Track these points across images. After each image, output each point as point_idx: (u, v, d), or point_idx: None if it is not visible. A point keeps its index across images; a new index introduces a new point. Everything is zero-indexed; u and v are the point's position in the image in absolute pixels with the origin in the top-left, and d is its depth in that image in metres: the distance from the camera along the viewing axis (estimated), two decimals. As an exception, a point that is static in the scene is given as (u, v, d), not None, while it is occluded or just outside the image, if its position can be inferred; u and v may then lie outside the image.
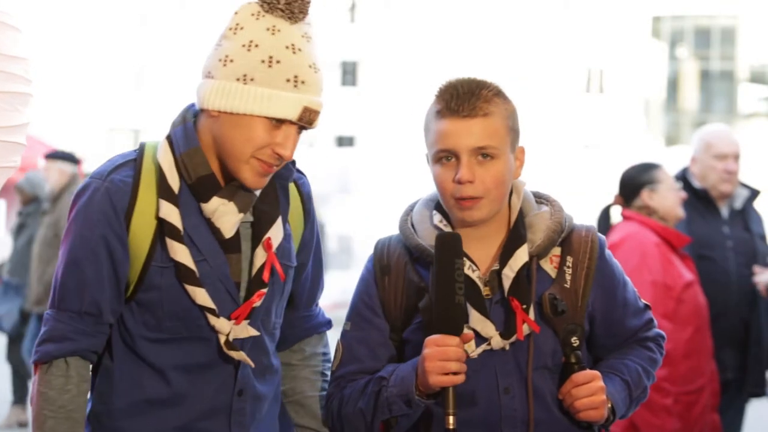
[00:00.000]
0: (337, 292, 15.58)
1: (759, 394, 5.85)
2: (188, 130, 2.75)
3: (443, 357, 2.64)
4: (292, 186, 2.88)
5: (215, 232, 2.73)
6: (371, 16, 47.48)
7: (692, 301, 5.35)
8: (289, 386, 2.97)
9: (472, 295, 2.73)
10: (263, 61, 2.66)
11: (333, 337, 2.87)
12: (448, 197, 2.77)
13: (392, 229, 2.94)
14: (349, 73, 47.92)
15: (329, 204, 21.50)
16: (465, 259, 2.72)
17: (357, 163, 23.81)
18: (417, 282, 2.81)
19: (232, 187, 2.73)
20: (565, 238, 2.84)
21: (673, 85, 56.95)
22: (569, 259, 2.82)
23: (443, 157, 2.76)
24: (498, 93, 2.78)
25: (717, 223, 5.87)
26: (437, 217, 2.85)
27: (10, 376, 9.78)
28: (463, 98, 2.74)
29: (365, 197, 21.44)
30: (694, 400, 5.33)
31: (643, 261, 5.23)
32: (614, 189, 5.61)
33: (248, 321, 2.75)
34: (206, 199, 2.72)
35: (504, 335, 2.75)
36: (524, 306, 2.74)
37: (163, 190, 2.72)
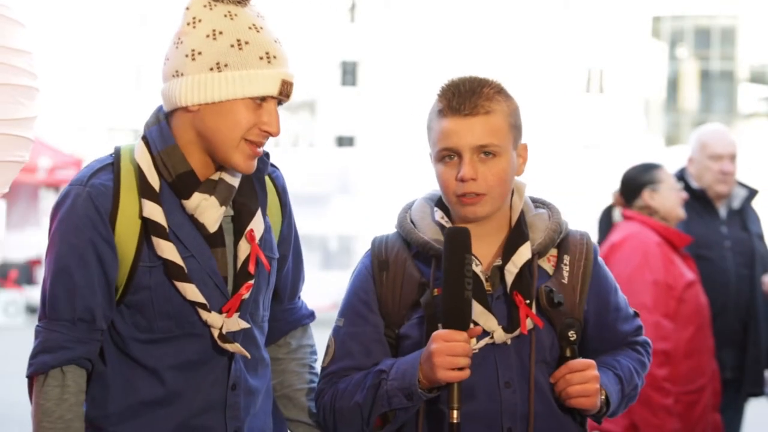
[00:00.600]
0: (337, 292, 15.56)
1: (757, 393, 5.85)
2: (163, 129, 2.76)
3: (452, 352, 2.65)
4: (267, 179, 2.90)
5: (199, 228, 2.74)
6: (371, 16, 47.47)
7: (693, 301, 5.36)
8: (277, 380, 2.98)
9: (476, 289, 2.75)
10: (233, 46, 2.69)
11: (322, 334, 2.87)
12: (451, 195, 2.79)
13: (391, 229, 2.94)
14: (349, 73, 47.91)
15: (329, 204, 21.48)
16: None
17: (357, 163, 23.78)
18: (417, 277, 2.83)
19: (211, 182, 2.75)
20: (562, 240, 2.88)
21: (673, 85, 56.94)
22: (566, 258, 2.87)
23: (446, 155, 2.78)
24: (500, 91, 2.81)
25: (715, 223, 5.87)
26: (438, 214, 2.87)
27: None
28: (465, 96, 2.76)
29: (365, 197, 21.42)
30: (695, 399, 5.33)
31: (644, 261, 5.24)
32: (615, 189, 5.61)
33: (238, 314, 2.76)
34: (187, 196, 2.73)
35: (507, 329, 2.77)
36: (527, 301, 2.77)
37: (145, 190, 2.72)
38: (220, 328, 2.73)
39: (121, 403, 2.75)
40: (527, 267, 2.80)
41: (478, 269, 2.78)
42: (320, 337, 2.95)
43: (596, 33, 47.02)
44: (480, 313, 2.76)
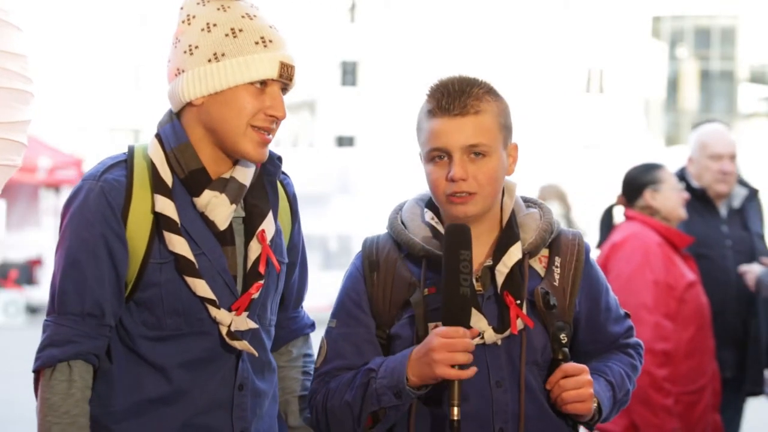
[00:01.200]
0: (337, 292, 15.55)
1: (757, 392, 5.85)
2: (176, 127, 2.77)
3: (451, 348, 2.65)
4: (278, 185, 2.91)
5: (210, 225, 2.75)
6: (371, 16, 47.48)
7: (694, 301, 5.36)
8: (278, 387, 2.97)
9: None
10: (227, 35, 2.72)
11: (322, 334, 2.87)
12: (441, 195, 2.78)
13: (383, 230, 2.95)
14: (349, 73, 47.93)
15: (329, 204, 21.48)
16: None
17: (357, 163, 23.76)
18: (408, 278, 2.83)
19: (222, 180, 2.76)
20: (553, 240, 2.88)
21: (673, 85, 56.94)
22: (557, 260, 2.86)
23: (436, 155, 2.79)
24: (489, 90, 2.81)
25: (715, 222, 5.86)
26: (429, 215, 2.88)
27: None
28: (454, 97, 2.76)
29: (365, 197, 21.40)
30: (696, 399, 5.33)
31: (645, 261, 5.24)
32: (615, 189, 5.61)
33: (247, 314, 2.76)
34: (198, 193, 2.74)
35: (497, 330, 2.77)
36: (518, 301, 2.77)
37: (157, 185, 2.73)
38: (229, 326, 2.73)
39: (127, 401, 2.75)
40: (518, 267, 2.79)
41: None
42: (320, 336, 2.95)
43: (596, 33, 47.03)
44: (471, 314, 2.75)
